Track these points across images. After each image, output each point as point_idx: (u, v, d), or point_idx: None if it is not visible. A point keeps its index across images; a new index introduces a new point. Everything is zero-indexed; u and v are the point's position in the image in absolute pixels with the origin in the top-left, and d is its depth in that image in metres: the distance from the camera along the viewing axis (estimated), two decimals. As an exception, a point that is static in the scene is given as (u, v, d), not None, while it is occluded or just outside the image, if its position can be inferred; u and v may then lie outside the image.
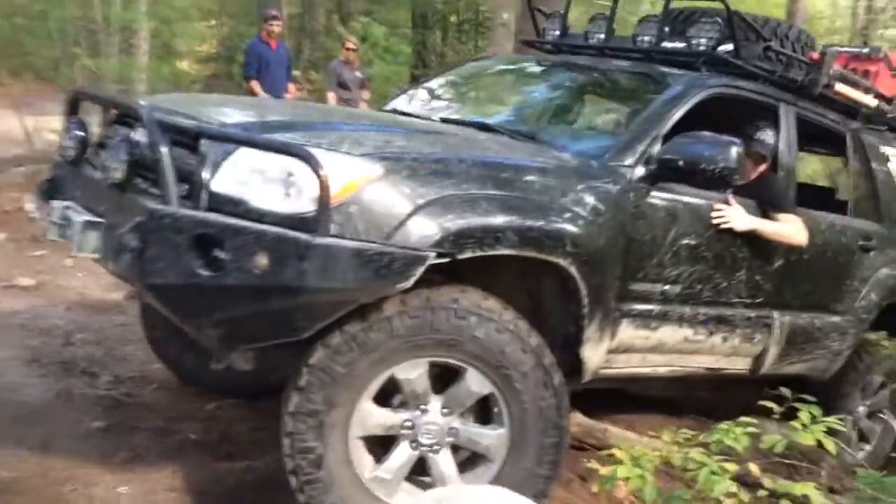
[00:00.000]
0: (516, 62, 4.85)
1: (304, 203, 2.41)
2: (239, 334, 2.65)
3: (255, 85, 8.48)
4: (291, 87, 9.11)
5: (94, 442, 3.36)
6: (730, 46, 3.78)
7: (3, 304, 4.84)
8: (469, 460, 2.90)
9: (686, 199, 3.34)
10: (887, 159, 4.58)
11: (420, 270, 2.48)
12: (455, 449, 2.84)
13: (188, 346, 3.75)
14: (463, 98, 4.38)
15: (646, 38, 4.00)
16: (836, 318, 4.15)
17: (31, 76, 10.57)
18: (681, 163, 3.12)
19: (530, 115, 4.04)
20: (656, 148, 3.23)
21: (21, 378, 3.88)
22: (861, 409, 4.54)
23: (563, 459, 2.91)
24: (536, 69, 4.46)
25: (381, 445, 2.81)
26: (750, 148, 3.77)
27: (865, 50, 4.72)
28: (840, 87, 4.15)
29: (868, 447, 4.58)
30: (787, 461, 3.00)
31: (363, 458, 2.76)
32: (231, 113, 3.10)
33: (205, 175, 2.45)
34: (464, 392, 2.77)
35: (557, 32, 4.46)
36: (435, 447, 2.78)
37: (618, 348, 3.24)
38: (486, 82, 4.55)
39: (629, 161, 3.17)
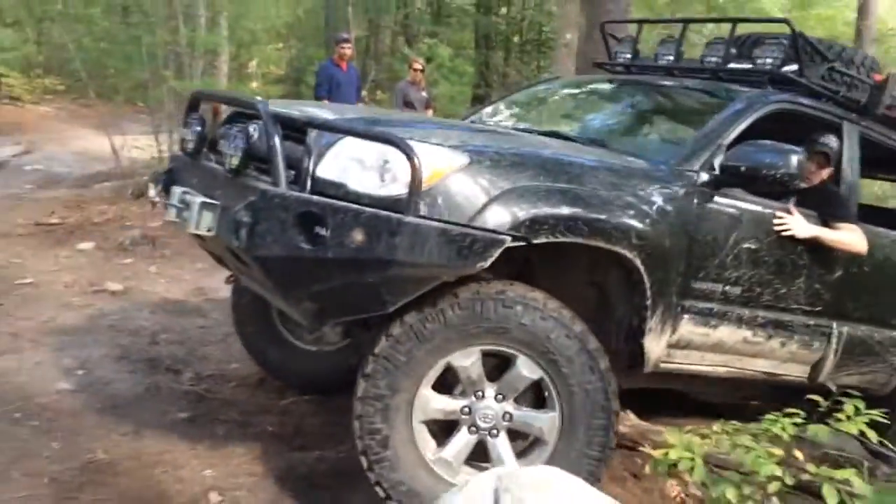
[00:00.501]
0: (587, 82, 5.01)
1: (397, 187, 2.63)
2: (333, 307, 2.89)
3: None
4: (361, 106, 9.41)
5: (180, 431, 3.62)
6: (794, 66, 3.91)
7: (94, 306, 5.16)
8: (526, 446, 3.07)
9: (748, 205, 3.46)
10: None
11: (497, 251, 2.67)
12: (513, 436, 3.00)
13: (276, 341, 4.06)
14: (535, 113, 4.57)
15: (713, 59, 4.16)
16: (895, 334, 4.17)
17: (118, 98, 11.15)
18: (743, 168, 3.26)
19: (603, 127, 4.19)
20: (720, 156, 3.37)
21: (112, 374, 4.17)
22: None
23: (612, 442, 3.03)
24: (607, 88, 4.63)
25: (445, 430, 2.99)
26: (813, 149, 3.91)
27: None
28: None
29: None
30: (832, 452, 3.05)
31: (427, 441, 2.95)
32: (333, 111, 3.35)
33: (310, 162, 2.73)
34: (515, 378, 2.94)
35: (629, 55, 4.65)
36: (492, 431, 2.96)
37: (678, 343, 3.37)
38: (557, 100, 4.72)
39: (695, 166, 3.32)
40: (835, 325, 3.87)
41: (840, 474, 2.04)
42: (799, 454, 2.32)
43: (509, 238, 2.70)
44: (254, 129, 3.02)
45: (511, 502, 2.13)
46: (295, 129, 2.86)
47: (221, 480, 3.25)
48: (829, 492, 2.04)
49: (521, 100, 4.85)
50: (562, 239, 2.82)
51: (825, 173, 3.98)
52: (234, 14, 11.25)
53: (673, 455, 2.28)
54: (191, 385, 4.14)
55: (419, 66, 9.77)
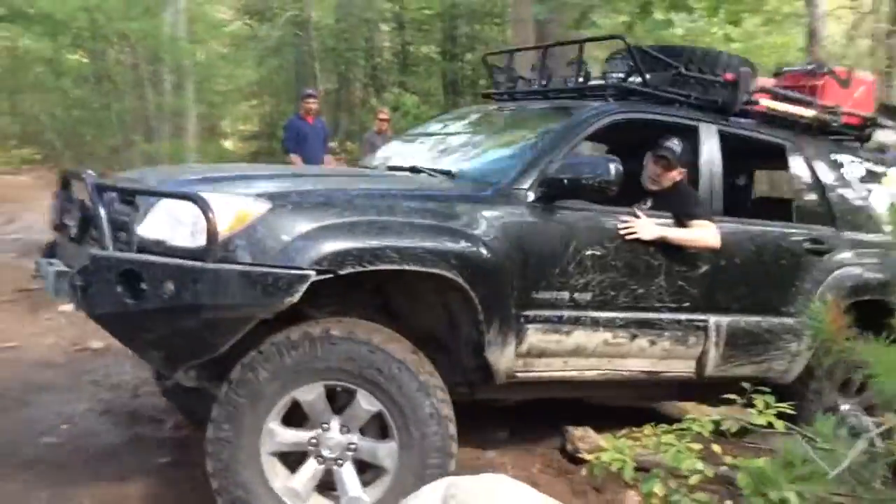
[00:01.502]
0: (467, 113, 5.22)
1: (202, 237, 2.86)
2: (173, 353, 3.13)
3: (295, 158, 9.05)
4: (329, 158, 9.69)
5: (163, 474, 3.82)
6: (639, 78, 4.15)
7: (77, 364, 5.36)
8: (372, 475, 3.24)
9: (585, 214, 3.65)
10: (840, 166, 4.73)
11: (303, 286, 2.88)
12: (364, 466, 3.21)
13: (190, 391, 4.17)
14: (414, 147, 4.80)
15: (613, 76, 4.38)
16: (787, 320, 4.25)
17: (94, 164, 11.41)
18: (565, 181, 3.48)
19: (457, 156, 4.32)
20: (551, 172, 3.56)
21: (97, 426, 4.37)
22: (846, 407, 4.56)
23: (450, 466, 3.20)
24: (476, 116, 4.90)
25: (298, 461, 3.18)
26: (654, 153, 4.12)
27: (809, 67, 4.97)
28: (767, 103, 4.43)
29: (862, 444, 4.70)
30: (751, 444, 3.28)
31: (277, 471, 3.14)
32: (172, 175, 3.64)
33: (135, 223, 2.97)
34: (356, 410, 3.15)
35: (510, 83, 4.88)
36: (338, 461, 3.16)
37: (531, 352, 3.53)
38: (438, 132, 4.94)
39: (523, 185, 3.53)
40: (711, 318, 4.00)
41: (755, 463, 2.28)
42: (717, 448, 2.57)
43: (314, 272, 2.90)
44: (87, 200, 3.21)
45: (458, 506, 2.36)
46: (129, 195, 3.12)
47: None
48: (743, 479, 2.27)
49: (412, 135, 5.12)
50: (371, 268, 3.02)
51: (675, 174, 4.11)
52: (199, 77, 11.60)
53: (605, 458, 2.52)
54: (172, 433, 4.34)
55: (384, 116, 10.13)
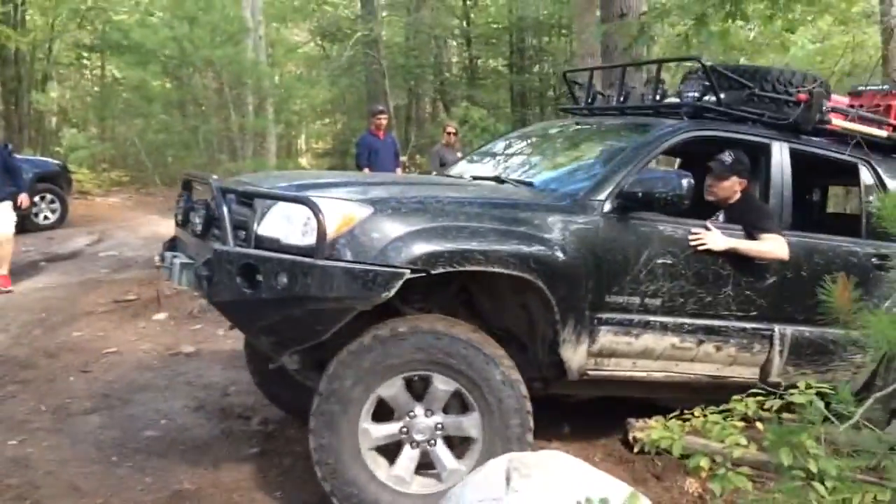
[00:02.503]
0: (550, 127, 5.49)
1: (312, 237, 3.19)
2: (282, 339, 3.47)
3: (368, 172, 9.46)
4: (400, 171, 10.03)
5: (252, 463, 4.17)
6: (713, 97, 4.34)
7: (171, 367, 5.79)
8: (463, 447, 3.54)
9: (658, 225, 3.87)
10: None
11: (399, 283, 3.19)
12: (452, 441, 3.52)
13: (285, 383, 4.55)
14: (499, 158, 5.07)
15: (689, 95, 4.56)
16: (852, 333, 4.36)
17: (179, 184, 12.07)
18: (640, 194, 3.72)
19: (537, 168, 4.61)
20: (628, 184, 3.79)
21: (191, 421, 4.75)
22: None
23: (530, 424, 3.51)
24: (555, 130, 5.16)
25: (395, 449, 3.49)
26: (708, 164, 4.29)
27: (885, 87, 5.08)
28: (839, 123, 4.54)
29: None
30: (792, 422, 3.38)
31: (379, 463, 3.46)
32: (282, 180, 3.96)
33: (254, 223, 3.33)
34: (436, 393, 3.45)
35: (590, 99, 5.13)
36: (430, 442, 3.47)
37: (601, 352, 3.79)
38: (520, 144, 5.25)
39: (600, 196, 3.77)
40: (777, 327, 4.17)
41: (795, 438, 2.44)
42: (760, 425, 2.72)
43: (409, 271, 3.21)
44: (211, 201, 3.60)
45: (520, 479, 2.60)
46: (247, 197, 3.49)
47: (288, 502, 3.77)
48: (785, 453, 2.44)
49: (492, 149, 5.37)
50: (459, 268, 3.32)
51: (729, 185, 4.28)
52: (278, 98, 12.19)
53: (655, 436, 2.71)
54: (260, 427, 4.69)
55: (452, 130, 10.41)
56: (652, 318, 3.86)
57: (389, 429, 3.47)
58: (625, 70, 5.04)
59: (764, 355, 4.17)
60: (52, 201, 12.34)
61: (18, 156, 11.80)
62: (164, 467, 4.10)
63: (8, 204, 8.61)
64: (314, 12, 20.74)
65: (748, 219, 4.17)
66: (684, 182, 3.67)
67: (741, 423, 2.63)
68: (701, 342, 3.98)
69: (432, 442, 3.48)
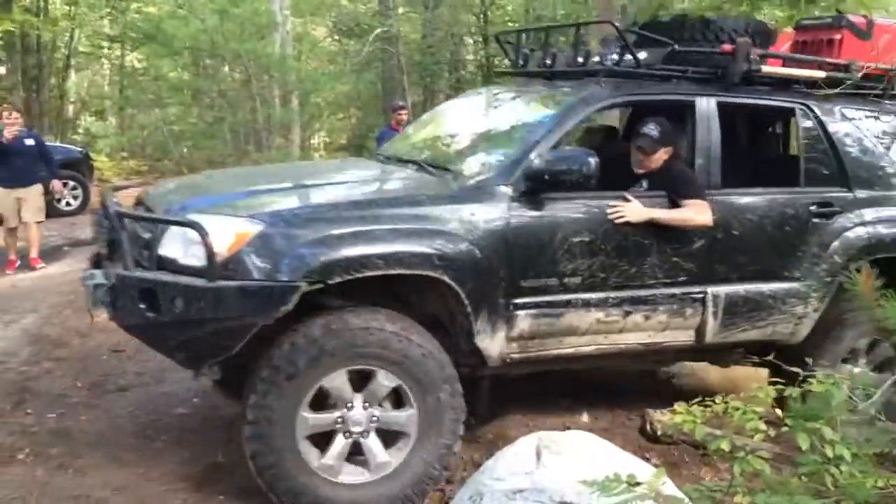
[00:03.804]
0: (473, 98, 5.38)
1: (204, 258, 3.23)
2: (192, 356, 3.53)
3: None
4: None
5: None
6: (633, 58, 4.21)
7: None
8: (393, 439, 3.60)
9: (572, 203, 3.82)
10: (855, 123, 4.61)
11: (295, 296, 3.21)
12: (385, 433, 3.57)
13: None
14: (423, 135, 4.99)
15: (580, 61, 4.42)
16: (792, 285, 4.31)
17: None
18: (546, 175, 3.67)
19: (454, 148, 4.52)
20: (536, 164, 3.73)
21: (220, 400, 4.90)
22: (857, 370, 4.54)
23: (459, 432, 3.64)
24: (480, 101, 5.03)
25: (325, 439, 3.53)
26: (634, 142, 4.26)
27: (828, 20, 4.78)
28: (767, 70, 4.35)
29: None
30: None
31: (310, 451, 3.48)
32: (187, 193, 4.08)
33: (156, 244, 3.41)
34: (377, 388, 3.49)
35: (521, 62, 4.94)
36: (364, 433, 3.51)
37: (523, 336, 3.78)
38: (446, 118, 5.12)
39: (507, 181, 3.72)
40: (709, 289, 4.12)
41: (814, 425, 2.58)
42: (779, 411, 2.85)
43: (304, 284, 3.22)
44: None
45: (550, 455, 2.75)
46: (141, 222, 3.60)
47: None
48: (802, 438, 2.58)
49: (425, 120, 5.30)
50: (358, 275, 3.32)
51: (660, 156, 4.19)
52: (303, 91, 12.36)
53: (678, 419, 2.84)
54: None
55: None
56: (573, 296, 3.83)
57: (327, 418, 3.48)
58: (548, 32, 4.88)
59: (698, 318, 4.14)
60: (75, 188, 12.52)
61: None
62: (199, 442, 4.27)
63: (39, 188, 8.81)
64: (332, 8, 20.90)
65: (671, 186, 4.10)
66: (591, 160, 3.62)
67: (761, 409, 2.77)
68: (628, 313, 3.96)
69: (365, 433, 3.52)
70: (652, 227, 3.97)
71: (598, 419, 4.73)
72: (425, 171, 4.15)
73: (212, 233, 3.23)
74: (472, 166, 4.05)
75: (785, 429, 2.73)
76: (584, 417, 4.74)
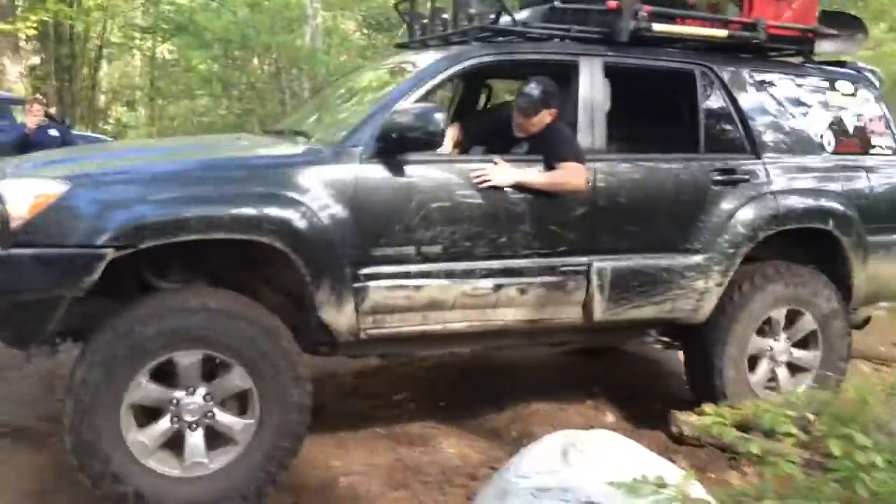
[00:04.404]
0: (363, 68, 5.22)
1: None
2: (10, 332, 3.18)
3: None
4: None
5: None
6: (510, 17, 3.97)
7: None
8: (219, 440, 3.32)
9: (429, 166, 3.55)
10: (765, 86, 4.37)
11: (101, 264, 2.91)
12: (209, 430, 3.28)
13: None
14: (310, 109, 4.79)
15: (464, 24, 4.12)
16: (691, 258, 4.04)
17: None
18: (394, 135, 3.41)
19: (323, 115, 4.32)
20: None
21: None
22: (777, 345, 4.41)
23: (304, 375, 3.37)
24: (367, 71, 4.82)
25: (150, 416, 3.23)
26: (514, 102, 3.99)
27: None
28: (660, 28, 4.09)
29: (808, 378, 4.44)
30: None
31: (170, 461, 3.23)
32: (35, 159, 3.81)
33: None
34: (227, 383, 3.25)
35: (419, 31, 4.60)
36: (192, 425, 3.22)
37: (376, 310, 3.48)
38: (339, 89, 4.85)
39: (356, 142, 3.46)
40: (594, 262, 3.84)
41: (843, 431, 2.54)
42: (810, 416, 2.82)
43: (111, 250, 2.92)
44: None
45: (576, 454, 2.73)
46: None
47: (345, 469, 3.90)
48: (834, 443, 2.55)
49: (324, 94, 5.14)
50: (173, 239, 3.04)
51: (541, 118, 3.91)
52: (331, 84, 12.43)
53: (708, 421, 2.81)
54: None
55: None
56: (433, 266, 3.55)
57: (160, 427, 3.21)
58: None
59: (582, 293, 3.84)
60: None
61: (74, 132, 12.14)
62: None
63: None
64: (362, 2, 20.95)
65: (547, 148, 3.83)
66: (437, 116, 3.39)
67: (792, 413, 2.74)
68: (499, 286, 3.65)
69: (210, 414, 3.25)
70: (525, 192, 3.69)
71: (624, 419, 4.69)
72: (284, 138, 4.03)
73: (8, 196, 2.99)
74: (326, 130, 3.90)
75: (817, 433, 2.72)
76: (610, 417, 4.71)
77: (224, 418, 3.29)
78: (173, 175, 3.27)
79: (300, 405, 3.36)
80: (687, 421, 4.31)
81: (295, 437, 3.37)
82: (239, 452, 3.29)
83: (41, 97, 9.99)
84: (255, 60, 11.96)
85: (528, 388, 4.76)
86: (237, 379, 3.26)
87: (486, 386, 4.94)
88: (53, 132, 8.89)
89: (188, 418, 3.22)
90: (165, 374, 3.21)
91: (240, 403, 3.34)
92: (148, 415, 3.24)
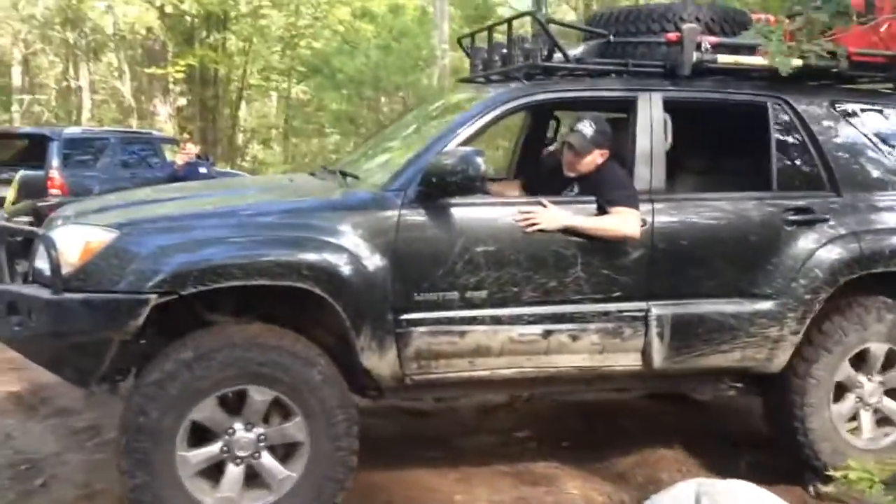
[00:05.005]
0: (423, 106, 5.06)
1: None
2: (70, 371, 3.33)
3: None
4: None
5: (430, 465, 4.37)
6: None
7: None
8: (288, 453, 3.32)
9: (474, 209, 3.48)
10: (848, 118, 4.07)
11: (145, 309, 3.00)
12: (273, 449, 3.29)
13: None
14: (367, 147, 4.69)
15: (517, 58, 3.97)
16: (762, 304, 3.77)
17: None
18: (434, 179, 3.34)
19: (374, 158, 4.23)
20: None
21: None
22: (868, 386, 4.00)
23: (356, 434, 3.34)
24: (424, 110, 4.72)
25: (218, 470, 3.25)
26: (564, 140, 3.87)
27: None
28: (724, 59, 3.88)
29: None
30: None
31: (204, 488, 3.22)
32: (88, 205, 3.95)
33: (32, 257, 3.32)
34: (254, 405, 3.23)
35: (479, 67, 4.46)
36: (255, 455, 3.24)
37: (421, 355, 3.41)
38: (394, 129, 4.79)
39: (399, 186, 3.41)
40: (653, 307, 3.65)
41: None
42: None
43: (154, 296, 3.01)
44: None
45: (709, 503, 2.65)
46: (12, 236, 3.54)
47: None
48: None
49: (386, 130, 5.02)
50: (214, 285, 3.09)
51: (593, 159, 3.78)
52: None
53: (853, 476, 2.65)
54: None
55: None
56: (479, 312, 3.45)
57: (209, 451, 3.23)
58: (491, 31, 4.36)
59: (640, 340, 3.64)
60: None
61: (217, 168, 12.91)
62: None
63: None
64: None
65: (600, 191, 3.66)
66: (477, 159, 3.30)
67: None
68: (549, 332, 3.52)
69: (256, 455, 3.26)
70: (576, 235, 3.56)
71: (759, 468, 4.48)
72: (331, 179, 4.01)
73: (61, 243, 3.15)
74: (372, 172, 3.84)
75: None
76: (743, 465, 4.51)
77: (269, 463, 3.30)
78: (214, 222, 3.36)
79: (346, 465, 3.35)
80: (829, 474, 4.08)
81: (343, 407, 3.33)
82: (270, 502, 3.30)
83: (192, 139, 10.76)
84: (384, 99, 12.36)
85: (654, 431, 4.62)
86: (294, 429, 3.30)
87: (610, 427, 4.85)
88: (203, 170, 9.51)
89: (238, 451, 3.25)
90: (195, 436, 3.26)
91: (287, 450, 3.35)
92: (199, 439, 3.28)
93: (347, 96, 13.20)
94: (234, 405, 3.26)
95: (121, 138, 12.21)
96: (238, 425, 3.25)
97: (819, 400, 3.91)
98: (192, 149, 9.45)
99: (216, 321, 3.38)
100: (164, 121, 19.25)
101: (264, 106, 27.30)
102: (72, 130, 12.21)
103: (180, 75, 18.98)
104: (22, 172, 9.93)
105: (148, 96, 20.53)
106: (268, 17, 21.22)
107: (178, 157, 9.21)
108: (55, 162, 10.69)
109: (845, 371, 3.98)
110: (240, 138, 24.06)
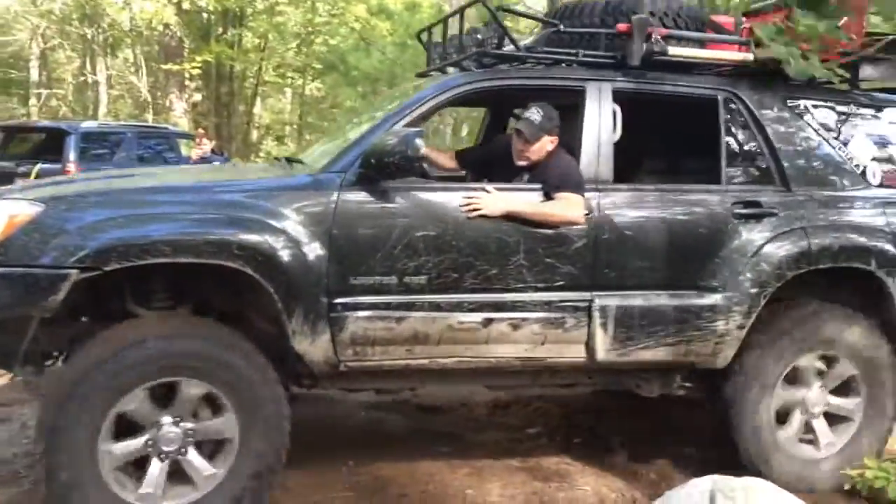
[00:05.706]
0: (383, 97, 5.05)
1: None
2: None
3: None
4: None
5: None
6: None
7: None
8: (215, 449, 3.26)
9: (414, 193, 3.43)
10: (799, 114, 4.05)
11: (67, 285, 2.92)
12: (199, 445, 3.22)
13: None
14: (331, 133, 4.62)
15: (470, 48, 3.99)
16: (709, 297, 3.73)
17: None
18: (373, 160, 3.28)
19: (328, 142, 4.19)
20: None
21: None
22: (812, 394, 3.96)
23: (286, 430, 3.29)
24: (380, 100, 4.71)
25: (140, 465, 3.18)
26: (514, 128, 3.83)
27: (771, 1, 4.23)
28: (675, 52, 3.85)
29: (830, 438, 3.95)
30: None
31: (125, 483, 3.14)
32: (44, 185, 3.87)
33: None
34: (185, 399, 3.16)
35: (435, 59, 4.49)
36: (181, 451, 3.17)
37: (356, 341, 3.35)
38: (349, 121, 4.80)
39: (338, 168, 3.39)
40: (597, 297, 3.59)
41: None
42: None
43: (76, 271, 2.92)
44: None
45: (725, 501, 2.64)
46: None
47: (481, 498, 3.83)
48: None
49: (340, 122, 5.08)
50: (140, 262, 3.01)
51: (542, 145, 3.75)
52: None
53: (869, 475, 2.64)
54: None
55: None
56: (417, 297, 3.39)
57: (133, 444, 3.15)
58: (446, 22, 4.41)
59: (583, 331, 3.58)
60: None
61: (232, 163, 12.94)
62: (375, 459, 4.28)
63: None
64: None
65: (546, 178, 3.63)
66: (417, 141, 3.24)
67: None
68: (489, 321, 3.46)
69: (182, 451, 3.19)
70: (521, 223, 3.50)
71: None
72: (277, 166, 4.01)
73: None
74: (317, 157, 3.79)
75: None
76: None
77: (194, 460, 3.23)
78: (144, 198, 3.29)
79: (275, 462, 3.31)
80: (846, 473, 4.06)
81: (274, 399, 3.28)
82: (193, 499, 3.23)
83: (207, 133, 10.81)
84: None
85: (666, 429, 4.62)
86: (224, 425, 3.24)
87: (622, 425, 4.85)
88: (217, 164, 9.56)
89: (163, 446, 3.17)
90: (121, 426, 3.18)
91: (215, 446, 3.29)
92: (124, 432, 3.19)
93: (363, 93, 13.25)
94: (166, 398, 3.19)
95: (137, 133, 12.29)
96: (166, 419, 3.17)
97: (755, 402, 3.88)
98: (207, 144, 9.51)
99: (139, 313, 3.33)
100: (179, 116, 19.32)
101: (279, 102, 27.40)
102: (88, 125, 12.28)
103: (196, 71, 19.05)
104: (39, 166, 10.05)
105: (164, 92, 20.61)
106: (284, 13, 21.31)
107: (193, 151, 9.25)
108: (72, 156, 10.83)
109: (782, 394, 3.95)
110: (254, 134, 24.17)
